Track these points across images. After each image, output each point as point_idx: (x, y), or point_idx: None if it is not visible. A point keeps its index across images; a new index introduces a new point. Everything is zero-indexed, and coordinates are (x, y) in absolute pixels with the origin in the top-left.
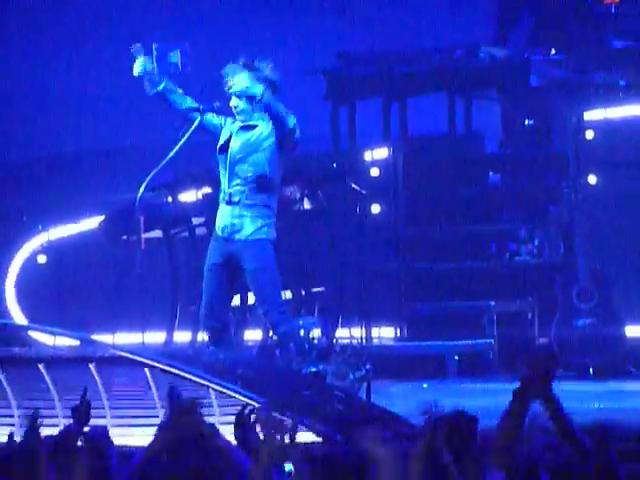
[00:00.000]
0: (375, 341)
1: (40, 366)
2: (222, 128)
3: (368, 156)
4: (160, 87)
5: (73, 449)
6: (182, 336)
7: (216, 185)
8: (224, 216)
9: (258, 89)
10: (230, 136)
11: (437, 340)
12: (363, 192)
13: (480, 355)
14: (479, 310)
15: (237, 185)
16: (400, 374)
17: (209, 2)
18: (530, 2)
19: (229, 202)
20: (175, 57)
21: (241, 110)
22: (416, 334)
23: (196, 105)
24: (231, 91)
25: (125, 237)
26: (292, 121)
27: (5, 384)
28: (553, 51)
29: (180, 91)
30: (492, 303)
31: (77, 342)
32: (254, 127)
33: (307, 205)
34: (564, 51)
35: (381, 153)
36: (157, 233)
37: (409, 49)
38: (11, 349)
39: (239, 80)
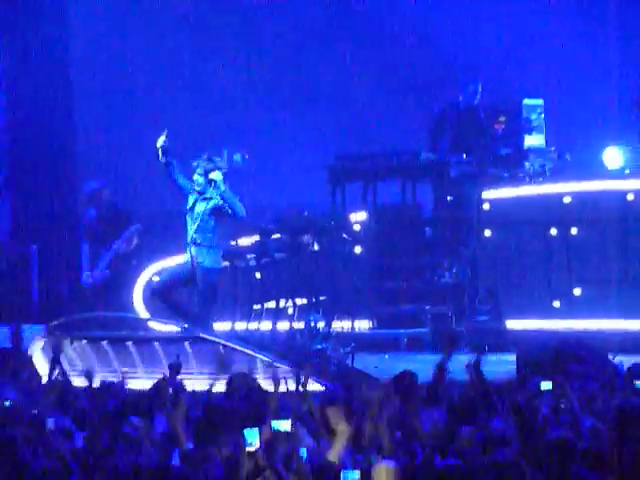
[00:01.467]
0: (357, 329)
1: (156, 343)
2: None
3: (353, 217)
4: (171, 161)
5: (175, 395)
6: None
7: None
8: None
9: (215, 175)
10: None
11: (394, 329)
12: (349, 239)
13: (420, 338)
14: (420, 311)
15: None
16: (372, 350)
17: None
18: (450, 124)
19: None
20: (237, 157)
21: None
22: (382, 325)
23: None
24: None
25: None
26: (240, 211)
27: (135, 354)
28: (464, 155)
29: (177, 171)
30: (427, 307)
31: (177, 328)
32: (210, 198)
33: (315, 246)
34: (470, 155)
35: (361, 216)
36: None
37: (378, 151)
38: (137, 332)
39: (201, 168)
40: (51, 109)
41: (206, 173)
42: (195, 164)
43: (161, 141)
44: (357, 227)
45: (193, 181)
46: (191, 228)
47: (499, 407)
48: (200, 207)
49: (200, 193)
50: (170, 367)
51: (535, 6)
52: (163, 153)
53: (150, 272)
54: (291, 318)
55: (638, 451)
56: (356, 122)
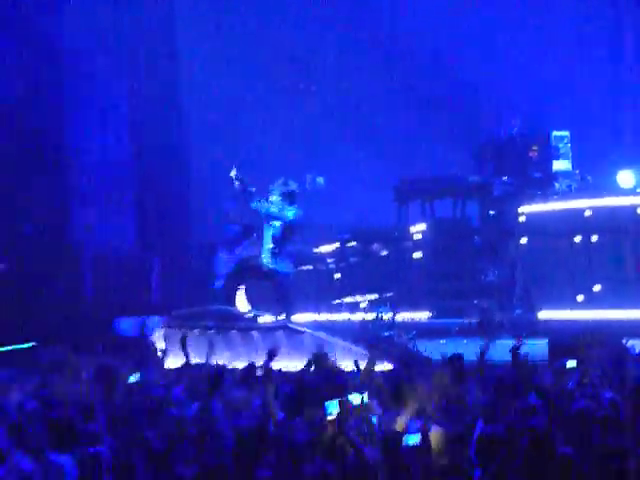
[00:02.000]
0: (417, 320)
1: (254, 332)
2: None
3: (414, 229)
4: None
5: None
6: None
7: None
8: None
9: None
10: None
11: (447, 319)
12: (411, 246)
13: (468, 327)
14: (468, 305)
15: None
16: (429, 336)
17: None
18: (492, 152)
19: None
20: (320, 180)
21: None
22: (437, 316)
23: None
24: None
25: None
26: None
27: (238, 338)
28: (505, 178)
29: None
30: (474, 301)
31: (272, 319)
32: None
33: (383, 252)
34: (510, 177)
35: (420, 227)
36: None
37: (433, 175)
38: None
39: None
40: (167, 139)
41: (282, 194)
42: (272, 188)
43: (233, 173)
44: (418, 236)
45: (269, 202)
46: (267, 242)
47: (534, 383)
48: (276, 224)
49: (271, 215)
50: (268, 353)
51: (561, 54)
52: (238, 182)
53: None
54: (364, 310)
55: None
56: (412, 150)
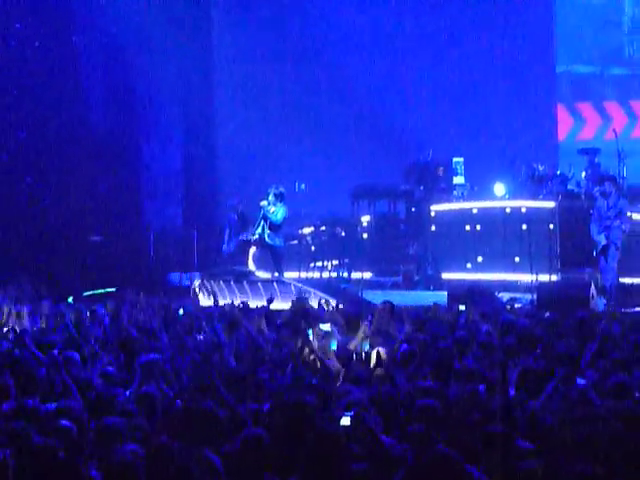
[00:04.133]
0: (364, 277)
1: (258, 283)
2: None
3: (363, 219)
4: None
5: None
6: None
7: None
8: None
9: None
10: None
11: (383, 277)
12: (360, 229)
13: (397, 283)
14: (397, 268)
15: None
16: (372, 288)
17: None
18: (415, 170)
19: None
20: (302, 186)
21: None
22: (377, 275)
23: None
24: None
25: None
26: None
27: (248, 290)
28: (422, 187)
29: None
30: (401, 266)
31: (270, 276)
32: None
33: (343, 234)
34: (425, 187)
35: (367, 218)
36: None
37: (377, 183)
38: (249, 277)
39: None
40: (206, 154)
41: (275, 195)
42: (269, 190)
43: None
44: (365, 224)
45: (268, 200)
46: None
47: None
48: (271, 215)
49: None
50: (268, 300)
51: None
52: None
53: (254, 248)
54: (329, 271)
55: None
56: (364, 164)
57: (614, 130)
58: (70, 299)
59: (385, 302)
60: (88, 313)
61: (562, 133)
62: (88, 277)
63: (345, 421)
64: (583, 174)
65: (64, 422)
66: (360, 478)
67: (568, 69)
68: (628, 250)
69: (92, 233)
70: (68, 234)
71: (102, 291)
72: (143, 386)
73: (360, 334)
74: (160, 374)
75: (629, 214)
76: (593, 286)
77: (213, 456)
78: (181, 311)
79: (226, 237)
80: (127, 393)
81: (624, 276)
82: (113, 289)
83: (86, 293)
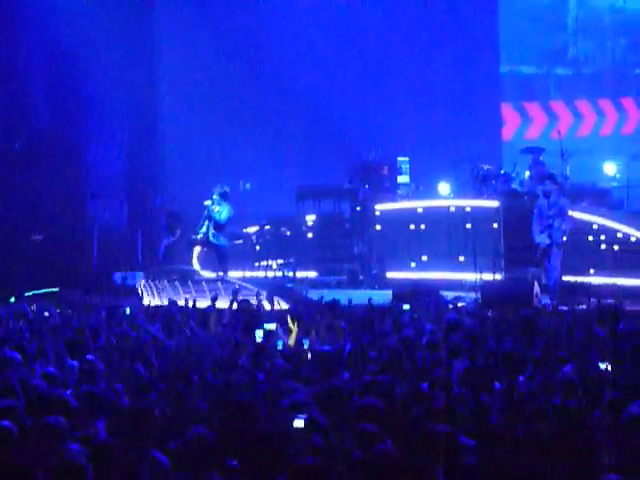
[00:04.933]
0: (309, 276)
1: (203, 282)
2: None
3: (308, 218)
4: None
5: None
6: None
7: None
8: None
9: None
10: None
11: (328, 276)
12: (305, 228)
13: (341, 282)
14: (342, 267)
15: None
16: (317, 287)
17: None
18: (360, 170)
19: None
20: (248, 185)
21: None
22: (322, 274)
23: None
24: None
25: None
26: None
27: (192, 287)
28: (367, 186)
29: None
30: (346, 265)
31: (215, 275)
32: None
33: (288, 233)
34: (370, 186)
35: (312, 217)
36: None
37: (321, 183)
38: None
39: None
40: (146, 161)
41: (219, 194)
42: (214, 189)
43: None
44: (310, 223)
45: (212, 200)
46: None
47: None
48: (216, 215)
49: (211, 216)
50: (212, 298)
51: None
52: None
53: (199, 248)
54: (274, 270)
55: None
56: (308, 164)
57: (558, 131)
58: (12, 299)
59: (331, 301)
60: (31, 313)
61: (509, 132)
62: (31, 277)
63: (298, 423)
64: (527, 173)
65: (4, 422)
66: (303, 475)
67: (513, 69)
68: (571, 248)
69: (35, 233)
70: (10, 234)
71: (45, 291)
72: (85, 385)
73: (294, 330)
74: (101, 374)
75: (570, 213)
76: (537, 284)
77: (161, 456)
78: (128, 310)
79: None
80: (67, 393)
81: (567, 274)
82: (56, 289)
83: (28, 293)
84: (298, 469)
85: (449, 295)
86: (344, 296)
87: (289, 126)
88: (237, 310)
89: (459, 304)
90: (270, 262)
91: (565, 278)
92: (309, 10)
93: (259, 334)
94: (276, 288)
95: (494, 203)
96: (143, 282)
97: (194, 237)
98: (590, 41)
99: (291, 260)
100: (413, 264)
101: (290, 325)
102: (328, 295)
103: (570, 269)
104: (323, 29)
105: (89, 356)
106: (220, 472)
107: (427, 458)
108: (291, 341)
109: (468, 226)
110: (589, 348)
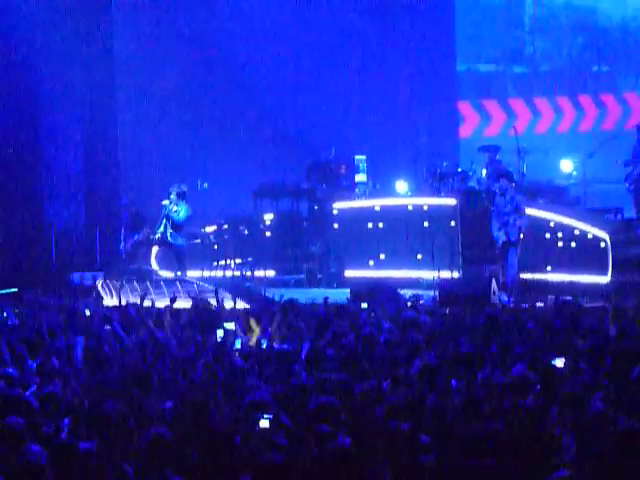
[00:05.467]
0: (267, 275)
1: (161, 282)
2: None
3: (266, 217)
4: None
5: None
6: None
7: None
8: None
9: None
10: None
11: (287, 275)
12: (263, 227)
13: (300, 280)
14: (300, 266)
15: None
16: (275, 286)
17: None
18: (317, 169)
19: None
20: (205, 185)
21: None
22: (280, 273)
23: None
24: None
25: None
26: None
27: (152, 289)
28: (324, 185)
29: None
30: (304, 264)
31: (173, 275)
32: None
33: (246, 232)
34: (328, 185)
35: (270, 216)
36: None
37: (280, 182)
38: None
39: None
40: (106, 159)
41: (177, 194)
42: (171, 189)
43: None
44: (268, 222)
45: (170, 199)
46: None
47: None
48: (174, 214)
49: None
50: (170, 299)
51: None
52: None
53: (157, 248)
54: (233, 269)
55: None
56: (265, 163)
57: (514, 128)
58: None
59: (289, 300)
60: None
61: (468, 130)
62: None
63: (264, 423)
64: (484, 171)
65: None
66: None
67: (470, 68)
68: (528, 246)
69: None
70: None
71: (3, 292)
72: (46, 387)
73: (256, 330)
74: (62, 375)
75: (527, 210)
76: (494, 282)
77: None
78: (87, 312)
79: (122, 237)
80: (27, 394)
81: (525, 271)
82: (14, 290)
83: None
84: (261, 467)
85: (407, 293)
86: (302, 295)
87: (247, 125)
88: (196, 309)
89: (418, 302)
90: (228, 261)
91: (523, 275)
92: (265, 9)
93: (220, 333)
94: (235, 287)
95: (451, 201)
96: (101, 282)
97: (152, 237)
98: (547, 39)
99: (249, 259)
100: (371, 262)
101: (252, 325)
102: (286, 294)
103: (527, 266)
104: (279, 27)
105: (52, 357)
106: (180, 472)
107: (383, 454)
108: (252, 341)
109: (426, 224)
110: (547, 346)
